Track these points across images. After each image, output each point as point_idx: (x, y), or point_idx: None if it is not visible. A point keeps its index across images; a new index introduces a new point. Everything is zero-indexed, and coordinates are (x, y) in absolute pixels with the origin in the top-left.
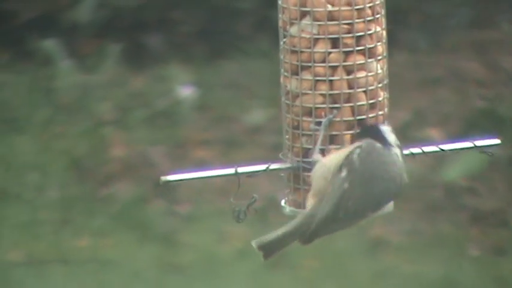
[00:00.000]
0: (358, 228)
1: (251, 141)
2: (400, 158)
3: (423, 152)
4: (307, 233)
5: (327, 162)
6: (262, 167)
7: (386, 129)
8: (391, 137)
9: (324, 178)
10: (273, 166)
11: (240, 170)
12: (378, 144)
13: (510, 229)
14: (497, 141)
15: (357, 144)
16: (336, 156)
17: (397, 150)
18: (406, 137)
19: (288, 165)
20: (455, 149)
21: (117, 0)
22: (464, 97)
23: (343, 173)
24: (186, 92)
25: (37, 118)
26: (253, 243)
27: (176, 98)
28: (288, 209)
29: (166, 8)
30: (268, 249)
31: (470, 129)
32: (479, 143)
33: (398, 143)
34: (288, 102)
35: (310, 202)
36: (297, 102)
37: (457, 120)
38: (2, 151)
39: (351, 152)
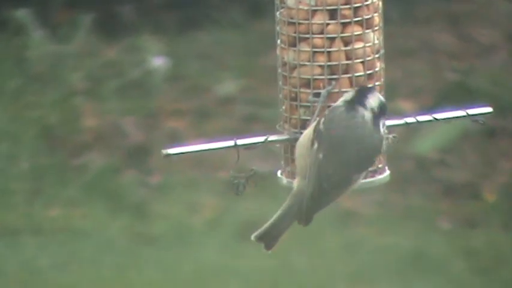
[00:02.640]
0: None
1: (223, 112)
2: (368, 121)
3: (417, 121)
4: (303, 214)
5: (302, 140)
6: (261, 138)
7: (375, 95)
8: (372, 101)
9: (302, 155)
10: (271, 138)
11: (239, 142)
12: (341, 109)
13: (481, 202)
14: (489, 109)
15: (323, 114)
16: (307, 133)
17: (366, 114)
18: None
19: (285, 136)
20: (448, 118)
21: None
22: (437, 69)
23: (315, 145)
24: (158, 62)
25: (9, 87)
26: (252, 237)
27: (148, 68)
28: (285, 180)
29: None
30: (268, 239)
31: (442, 101)
32: (472, 111)
33: (375, 109)
34: (285, 73)
35: (296, 181)
36: (295, 74)
37: (429, 92)
38: None
39: (317, 123)
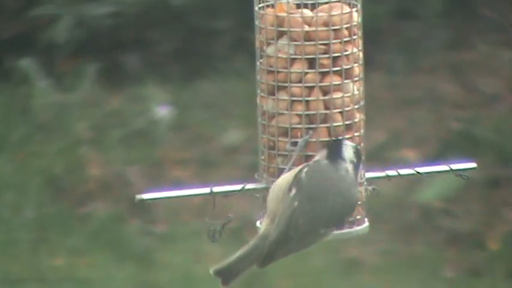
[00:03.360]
0: (333, 249)
1: (227, 161)
2: (351, 174)
3: (399, 174)
4: (262, 256)
5: (279, 183)
6: (238, 187)
7: (347, 145)
8: (348, 153)
9: (276, 199)
10: (249, 186)
11: (216, 189)
12: (324, 162)
13: (486, 251)
14: (473, 164)
15: (306, 163)
16: (286, 176)
17: (348, 166)
18: (381, 157)
19: (263, 185)
20: (431, 172)
21: (93, 20)
22: (441, 118)
23: (292, 192)
24: (162, 111)
25: (14, 137)
26: (211, 271)
27: (152, 117)
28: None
29: (143, 28)
30: (226, 275)
31: (446, 151)
32: (455, 166)
33: (354, 159)
34: (264, 122)
35: (264, 224)
36: (273, 123)
37: (433, 141)
38: None
39: (299, 171)
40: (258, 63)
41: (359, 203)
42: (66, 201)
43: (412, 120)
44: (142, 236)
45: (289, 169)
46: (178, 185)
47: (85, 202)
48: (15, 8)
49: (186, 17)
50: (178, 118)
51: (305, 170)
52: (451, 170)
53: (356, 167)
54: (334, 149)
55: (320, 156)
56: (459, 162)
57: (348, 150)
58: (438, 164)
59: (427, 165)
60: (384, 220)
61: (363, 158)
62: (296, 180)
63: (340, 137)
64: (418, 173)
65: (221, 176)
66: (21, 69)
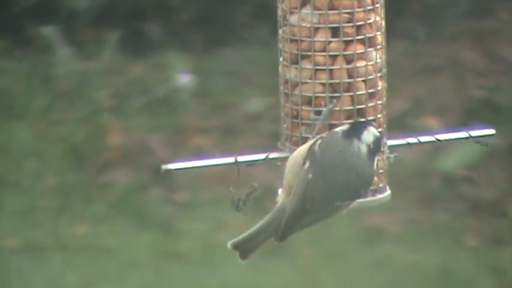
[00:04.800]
0: (356, 217)
1: (249, 129)
2: (363, 153)
3: (419, 141)
4: (280, 230)
5: (295, 156)
6: (262, 156)
7: (370, 130)
8: (367, 136)
9: (291, 171)
10: (272, 155)
11: (240, 159)
12: (338, 135)
13: (508, 219)
14: (492, 131)
15: (319, 136)
16: (302, 149)
17: (362, 146)
18: (403, 125)
19: (286, 154)
20: (451, 139)
21: None
22: (463, 86)
23: (307, 165)
24: (184, 79)
25: (35, 105)
26: (228, 244)
27: (174, 85)
28: None
29: None
30: (244, 249)
31: (468, 119)
32: (475, 133)
33: (371, 144)
34: (286, 91)
35: (281, 197)
36: (296, 92)
37: (455, 109)
38: (0, 138)
39: (313, 144)
40: (280, 31)
41: (381, 171)
42: (87, 169)
43: (433, 88)
44: (163, 204)
45: (313, 137)
46: (199, 153)
47: (106, 170)
48: None
49: None
50: (199, 86)
51: (318, 142)
52: (471, 136)
53: (371, 152)
54: (355, 128)
55: (339, 129)
56: (479, 129)
57: (369, 135)
58: (457, 131)
59: (447, 132)
60: (406, 188)
61: (382, 148)
62: (310, 153)
63: (368, 120)
64: (438, 140)
65: (243, 144)
66: (43, 37)
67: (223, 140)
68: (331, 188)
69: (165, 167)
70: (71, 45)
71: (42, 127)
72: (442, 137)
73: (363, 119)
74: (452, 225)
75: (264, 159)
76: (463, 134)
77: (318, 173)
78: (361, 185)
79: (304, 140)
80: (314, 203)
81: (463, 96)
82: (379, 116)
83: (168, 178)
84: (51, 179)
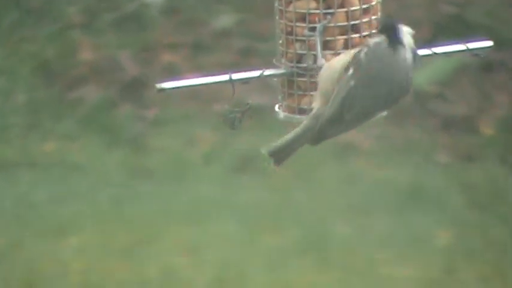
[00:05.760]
0: None
1: (219, 46)
2: (409, 61)
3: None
4: (314, 133)
5: (335, 63)
6: (256, 73)
7: (405, 30)
8: (406, 38)
9: (330, 79)
10: (268, 72)
11: (234, 76)
12: (385, 45)
13: (479, 136)
14: (490, 43)
15: (365, 43)
16: (343, 57)
17: (407, 53)
18: None
19: (282, 71)
20: (448, 52)
21: None
22: (433, 2)
23: (350, 71)
24: None
25: (4, 22)
26: (263, 150)
27: (144, 1)
28: (282, 114)
29: None
30: (278, 155)
31: (439, 34)
32: (472, 45)
33: (412, 45)
34: (281, 7)
35: (316, 104)
36: (291, 8)
37: (425, 25)
38: None
39: (359, 52)
40: None
41: None
42: (57, 86)
43: (404, 3)
44: (133, 121)
45: (313, 55)
46: (170, 70)
47: (76, 86)
48: None
49: None
50: (169, 2)
51: (365, 50)
52: (468, 49)
53: (414, 53)
54: (392, 33)
55: (379, 39)
56: (477, 42)
57: (406, 35)
58: (454, 44)
59: (441, 45)
60: None
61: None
62: (355, 61)
63: (392, 19)
64: (434, 53)
65: (213, 60)
66: None
67: (193, 56)
68: (373, 99)
69: (159, 86)
70: None
71: (12, 44)
72: (439, 49)
73: (387, 20)
74: (424, 142)
75: (259, 76)
76: (460, 47)
77: (361, 82)
78: (403, 94)
79: (299, 56)
80: (352, 111)
81: (433, 12)
82: (373, 31)
83: (138, 94)
84: (20, 96)
